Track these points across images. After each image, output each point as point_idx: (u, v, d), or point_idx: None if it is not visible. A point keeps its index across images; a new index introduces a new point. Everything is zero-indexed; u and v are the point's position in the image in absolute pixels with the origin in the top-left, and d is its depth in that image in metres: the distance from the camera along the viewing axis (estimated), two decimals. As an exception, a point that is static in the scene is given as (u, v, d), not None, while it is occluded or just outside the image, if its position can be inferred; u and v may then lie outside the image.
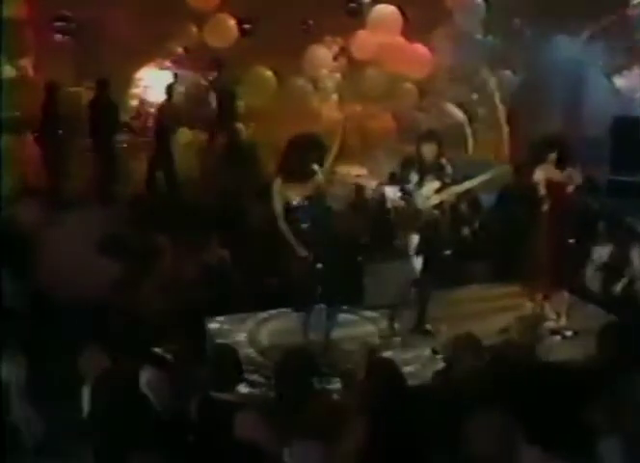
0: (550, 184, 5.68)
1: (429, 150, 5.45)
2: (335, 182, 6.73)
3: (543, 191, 5.70)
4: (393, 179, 6.75)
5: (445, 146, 5.60)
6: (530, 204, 5.88)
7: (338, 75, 9.01)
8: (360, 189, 7.81)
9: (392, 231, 6.39)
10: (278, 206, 5.18)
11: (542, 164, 5.70)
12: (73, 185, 7.96)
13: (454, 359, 3.99)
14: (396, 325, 5.77)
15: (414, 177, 5.50)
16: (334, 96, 9.07)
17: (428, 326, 5.71)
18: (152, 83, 9.39)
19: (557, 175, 5.68)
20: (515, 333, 4.48)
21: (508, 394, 3.40)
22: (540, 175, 5.69)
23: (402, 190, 5.58)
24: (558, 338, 5.70)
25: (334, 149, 5.30)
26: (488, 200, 7.65)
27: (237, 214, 7.35)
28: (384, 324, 5.95)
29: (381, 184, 7.46)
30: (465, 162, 7.38)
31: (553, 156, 5.71)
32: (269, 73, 8.91)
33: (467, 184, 5.64)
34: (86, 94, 8.77)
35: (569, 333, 5.77)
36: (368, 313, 6.17)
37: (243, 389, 4.27)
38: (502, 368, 3.84)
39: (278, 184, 5.18)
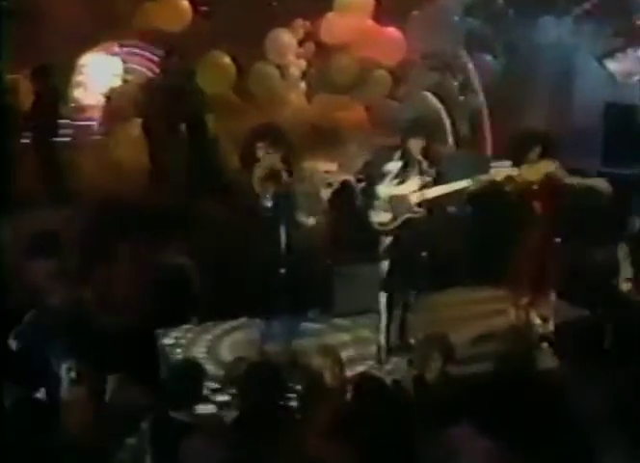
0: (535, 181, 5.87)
1: (416, 146, 5.55)
2: (305, 179, 6.83)
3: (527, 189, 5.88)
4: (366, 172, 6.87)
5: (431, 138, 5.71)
6: (513, 202, 6.05)
7: (304, 62, 9.07)
8: (333, 185, 7.90)
9: (366, 231, 6.49)
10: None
11: (525, 160, 5.88)
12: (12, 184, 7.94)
13: (424, 360, 4.14)
14: (382, 337, 5.79)
15: (394, 168, 5.59)
16: (302, 85, 9.14)
17: (412, 340, 5.77)
18: (98, 70, 9.36)
19: (541, 171, 5.86)
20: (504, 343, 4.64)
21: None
22: (524, 172, 5.86)
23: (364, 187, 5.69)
24: (545, 344, 5.87)
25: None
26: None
27: (197, 214, 7.42)
28: (358, 333, 6.07)
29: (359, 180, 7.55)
30: (446, 157, 7.53)
31: (537, 151, 5.90)
32: (227, 59, 8.95)
33: (450, 187, 5.66)
34: (25, 82, 8.73)
35: (556, 339, 5.95)
36: (339, 322, 6.29)
37: (204, 408, 4.35)
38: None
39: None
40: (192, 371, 3.86)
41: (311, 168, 7.80)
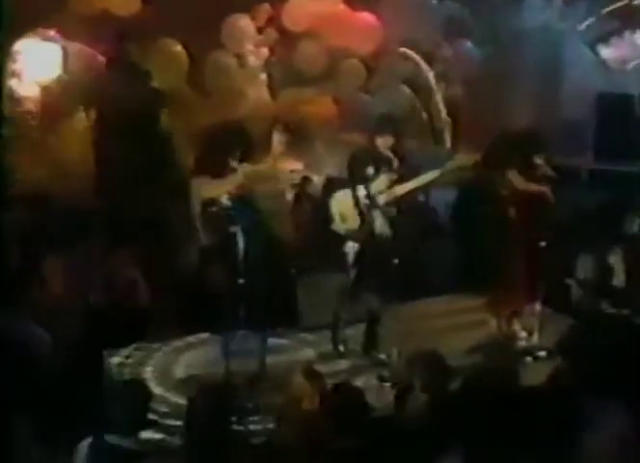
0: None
1: (383, 143, 5.68)
2: (268, 179, 6.85)
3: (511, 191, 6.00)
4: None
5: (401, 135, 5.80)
6: (495, 202, 6.15)
7: (266, 51, 9.09)
8: (300, 186, 7.95)
9: (336, 238, 6.54)
10: (196, 208, 5.36)
11: (510, 165, 5.99)
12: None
13: (409, 382, 4.16)
14: (341, 347, 5.97)
15: (371, 172, 5.67)
16: (262, 77, 9.16)
17: (382, 356, 5.87)
18: (35, 57, 9.29)
19: (528, 173, 5.97)
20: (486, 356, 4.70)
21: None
22: (510, 176, 5.98)
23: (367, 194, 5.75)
24: (529, 359, 5.96)
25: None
26: (448, 199, 7.91)
27: (147, 219, 7.44)
28: (325, 347, 6.13)
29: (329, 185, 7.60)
30: (422, 153, 7.63)
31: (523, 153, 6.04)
32: (179, 48, 8.96)
33: (420, 180, 5.81)
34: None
35: (542, 353, 6.04)
36: (305, 336, 6.34)
37: (152, 434, 4.37)
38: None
39: (196, 182, 5.37)
40: (136, 393, 3.87)
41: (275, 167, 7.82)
